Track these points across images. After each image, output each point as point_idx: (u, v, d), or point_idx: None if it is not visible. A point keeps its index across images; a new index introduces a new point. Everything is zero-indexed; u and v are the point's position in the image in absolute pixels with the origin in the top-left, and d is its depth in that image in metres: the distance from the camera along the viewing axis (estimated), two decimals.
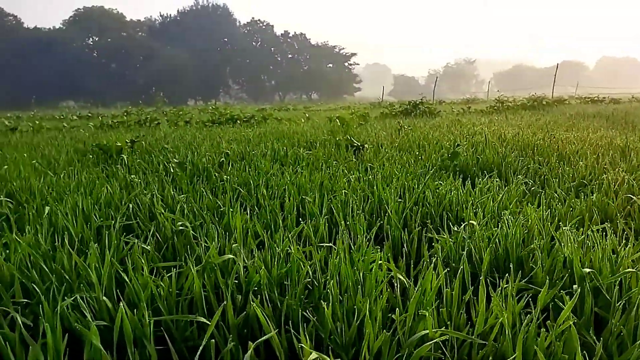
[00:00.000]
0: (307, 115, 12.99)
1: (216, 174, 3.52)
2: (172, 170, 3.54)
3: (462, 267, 1.55)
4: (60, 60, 66.08)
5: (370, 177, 3.30)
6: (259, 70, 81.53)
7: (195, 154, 4.52)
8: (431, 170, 3.64)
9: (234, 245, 1.71)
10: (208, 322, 1.41)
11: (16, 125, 10.34)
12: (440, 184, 3.14)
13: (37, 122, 10.61)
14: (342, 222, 2.10)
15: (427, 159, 4.27)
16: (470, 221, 2.05)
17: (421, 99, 14.72)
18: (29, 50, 65.99)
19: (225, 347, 1.29)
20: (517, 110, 13.77)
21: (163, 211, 2.17)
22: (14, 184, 3.09)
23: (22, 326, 1.37)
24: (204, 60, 73.83)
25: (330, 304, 1.31)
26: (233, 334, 1.36)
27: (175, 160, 3.87)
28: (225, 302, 1.38)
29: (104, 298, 1.54)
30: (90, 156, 4.71)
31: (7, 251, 1.82)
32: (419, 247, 2.16)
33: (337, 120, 7.91)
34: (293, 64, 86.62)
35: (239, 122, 10.96)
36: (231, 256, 1.62)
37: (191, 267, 1.46)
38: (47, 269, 1.64)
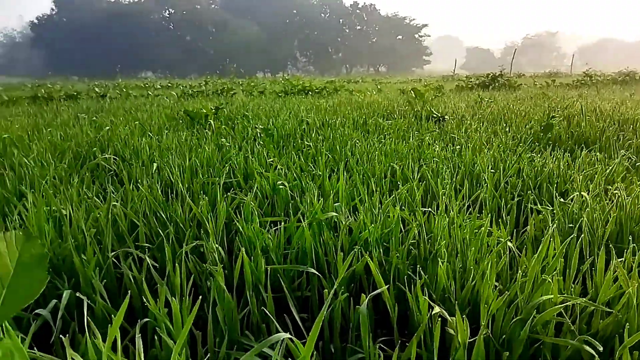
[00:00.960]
0: (378, 87, 12.77)
1: (301, 140, 3.58)
2: (258, 135, 3.65)
3: (577, 236, 1.48)
4: (139, 33, 69.39)
5: (457, 147, 3.21)
6: (326, 43, 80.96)
7: (277, 120, 4.61)
8: (520, 143, 3.48)
9: (335, 204, 1.74)
10: (318, 274, 1.47)
11: (105, 92, 11.09)
12: (534, 156, 3.00)
13: (124, 90, 11.30)
14: (439, 189, 2.06)
15: (515, 131, 4.07)
16: (581, 192, 1.94)
17: (500, 71, 13.96)
18: (110, 23, 69.82)
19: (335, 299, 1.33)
20: (608, 85, 12.71)
21: (262, 170, 2.25)
22: (117, 144, 3.32)
23: (150, 266, 1.50)
24: (273, 33, 74.44)
25: (444, 262, 1.31)
26: (343, 287, 1.40)
27: (260, 126, 3.97)
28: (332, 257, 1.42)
29: (217, 246, 1.64)
30: (180, 121, 4.96)
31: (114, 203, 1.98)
32: (518, 217, 2.09)
33: (412, 92, 7.72)
34: (361, 36, 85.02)
35: (310, 93, 11.02)
36: (335, 213, 1.65)
37: (301, 219, 1.50)
38: (165, 217, 1.77)
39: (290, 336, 1.16)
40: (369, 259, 1.31)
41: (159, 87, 15.11)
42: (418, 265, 1.54)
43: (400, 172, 2.44)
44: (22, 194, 2.28)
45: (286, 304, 1.49)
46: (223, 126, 4.53)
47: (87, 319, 1.07)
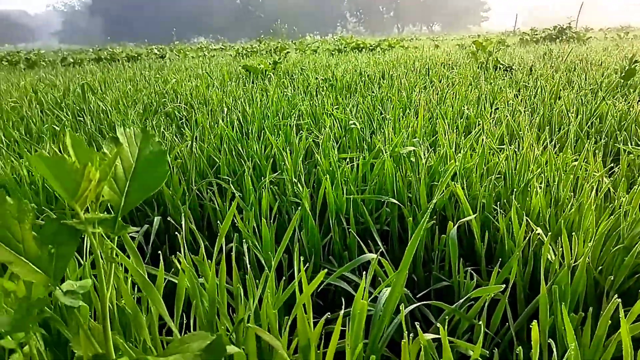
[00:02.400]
0: (435, 43, 12.26)
1: (365, 88, 3.51)
2: (320, 85, 3.61)
3: None
4: None
5: (530, 94, 3.04)
6: (377, 2, 78.23)
7: (336, 72, 4.54)
8: (599, 90, 3.24)
9: (414, 139, 1.69)
10: (399, 203, 1.45)
11: (164, 53, 11.35)
12: (616, 101, 2.78)
13: (181, 52, 11.53)
14: (520, 128, 1.96)
15: (592, 80, 3.79)
16: None
17: (569, 23, 12.98)
18: None
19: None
20: None
21: (333, 112, 2.23)
22: (186, 94, 3.40)
23: (235, 193, 1.53)
24: None
25: (537, 195, 1.25)
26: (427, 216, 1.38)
27: (321, 77, 3.93)
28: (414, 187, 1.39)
29: (296, 180, 1.65)
30: (239, 76, 5.00)
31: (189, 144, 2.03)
32: (604, 159, 1.97)
33: (473, 45, 7.35)
34: None
35: (364, 50, 10.75)
36: (413, 147, 1.61)
37: (382, 149, 1.48)
38: (243, 153, 1.80)
39: (379, 257, 1.16)
40: (457, 186, 1.27)
41: (212, 49, 15.28)
42: (503, 200, 1.48)
43: (474, 116, 2.35)
44: (102, 136, 2.39)
45: (365, 235, 1.49)
46: (282, 79, 4.52)
47: (183, 240, 1.11)
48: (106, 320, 0.72)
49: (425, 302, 1.09)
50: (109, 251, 0.73)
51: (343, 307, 0.90)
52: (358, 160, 1.68)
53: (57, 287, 0.69)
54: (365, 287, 0.85)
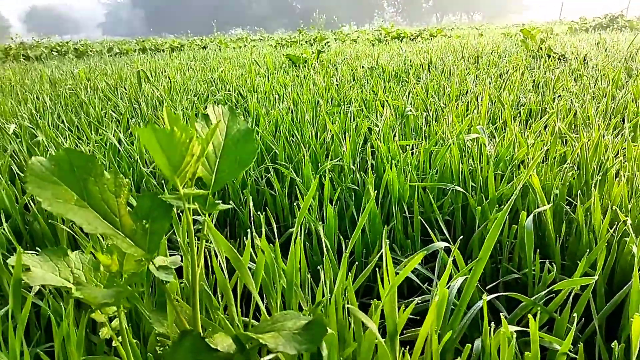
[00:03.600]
0: (479, 32, 11.91)
1: (406, 79, 3.44)
2: (367, 73, 3.56)
3: None
4: None
5: (589, 82, 2.89)
6: None
7: (380, 61, 4.47)
8: None
9: (477, 126, 1.64)
10: (465, 192, 1.40)
11: (205, 44, 11.52)
12: None
13: (221, 42, 11.68)
14: (587, 115, 1.87)
15: None
16: None
17: (621, 12, 12.34)
18: None
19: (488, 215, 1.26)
20: None
21: (385, 99, 2.19)
22: (234, 83, 3.43)
23: (295, 179, 1.53)
24: None
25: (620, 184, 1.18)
26: (495, 206, 1.33)
27: (366, 65, 3.87)
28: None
29: (353, 167, 1.63)
30: (283, 65, 5.00)
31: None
32: None
33: (521, 33, 7.09)
34: None
35: (404, 39, 10.57)
36: (477, 135, 1.56)
37: (442, 137, 1.43)
38: (299, 139, 1.79)
39: (450, 245, 1.13)
40: (534, 175, 1.22)
41: (252, 40, 15.40)
42: (575, 191, 1.41)
43: (534, 104, 2.25)
44: (155, 121, 2.44)
45: (424, 225, 1.45)
46: (326, 68, 4.49)
47: (252, 226, 1.11)
48: (196, 295, 0.72)
49: (500, 294, 1.04)
50: (202, 227, 0.73)
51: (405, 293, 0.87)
52: (416, 148, 1.64)
53: (151, 262, 0.70)
54: (438, 276, 0.82)
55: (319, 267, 1.23)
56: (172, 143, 0.57)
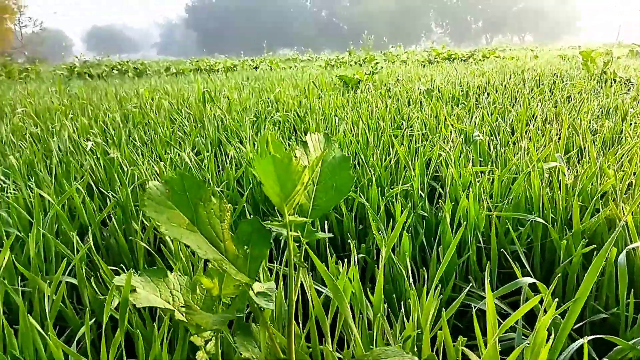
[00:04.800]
0: (533, 54, 11.61)
1: (464, 102, 3.38)
2: (423, 96, 3.53)
3: None
4: (279, 12, 72.80)
5: None
6: (465, 11, 76.01)
7: (435, 83, 4.43)
8: None
9: (555, 154, 1.57)
10: (544, 222, 1.34)
11: (256, 65, 11.86)
12: None
13: (272, 62, 11.98)
14: None
15: None
16: None
17: None
18: (253, 4, 74.40)
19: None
20: None
21: (454, 123, 2.15)
22: (291, 104, 3.48)
23: (364, 203, 1.51)
24: (407, 4, 72.24)
25: None
26: (582, 240, 1.26)
27: (422, 88, 3.84)
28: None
29: (421, 192, 1.60)
30: (335, 86, 5.05)
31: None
32: None
33: (580, 56, 6.86)
34: (505, 1, 78.00)
35: (455, 60, 10.46)
36: (556, 163, 1.49)
37: (523, 162, 1.38)
38: (363, 161, 1.78)
39: (535, 280, 1.07)
40: (626, 208, 1.15)
41: (301, 60, 15.73)
42: None
43: (608, 131, 2.15)
44: (219, 141, 2.50)
45: (501, 255, 1.40)
46: (379, 89, 4.49)
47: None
48: (292, 324, 0.71)
49: (596, 336, 0.98)
50: (299, 255, 0.73)
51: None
52: (487, 174, 1.60)
53: (251, 288, 0.70)
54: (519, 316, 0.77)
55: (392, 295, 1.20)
56: (288, 172, 0.57)
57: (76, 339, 1.06)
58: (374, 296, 0.83)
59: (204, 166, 1.84)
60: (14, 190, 1.69)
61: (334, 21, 73.71)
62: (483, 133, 2.13)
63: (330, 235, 0.68)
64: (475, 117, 2.42)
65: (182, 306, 0.67)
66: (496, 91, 3.84)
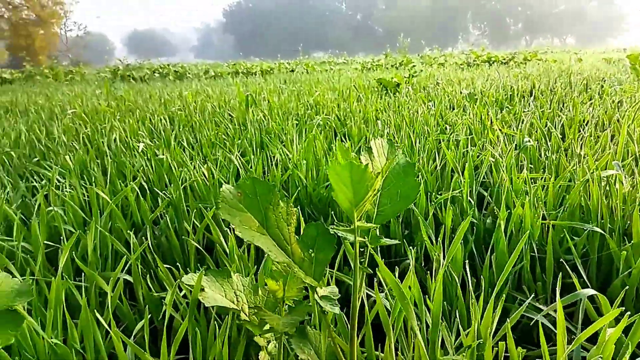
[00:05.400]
0: (577, 56, 11.24)
1: (509, 106, 3.29)
2: (466, 99, 3.47)
3: None
4: (315, 15, 73.27)
5: None
6: (504, 13, 74.25)
7: (477, 86, 4.35)
8: None
9: (613, 162, 1.51)
10: (603, 232, 1.29)
11: (292, 68, 11.97)
12: None
13: (308, 65, 12.07)
14: None
15: None
16: None
17: None
18: (290, 7, 75.19)
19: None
20: None
21: (500, 127, 2.11)
22: (331, 107, 3.49)
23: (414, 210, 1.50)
24: (444, 6, 71.26)
25: None
26: (636, 251, 1.21)
27: (464, 91, 3.78)
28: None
29: (470, 199, 1.57)
30: (373, 89, 5.03)
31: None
32: None
33: (627, 60, 6.58)
34: (546, 2, 75.71)
35: (495, 63, 10.23)
36: (614, 171, 1.44)
37: (579, 169, 1.33)
38: None
39: (596, 292, 1.03)
40: None
41: (336, 63, 15.78)
42: None
43: None
44: (262, 143, 2.53)
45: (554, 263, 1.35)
46: (419, 93, 4.44)
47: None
48: (354, 329, 0.71)
49: None
50: (363, 261, 0.73)
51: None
52: (540, 182, 1.55)
53: (316, 292, 0.70)
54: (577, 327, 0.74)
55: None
56: (364, 178, 0.57)
57: (133, 333, 1.09)
58: (433, 304, 0.82)
59: (250, 168, 1.87)
60: (69, 189, 1.76)
61: (368, 24, 73.57)
62: (533, 138, 2.07)
63: (397, 242, 0.68)
64: (523, 122, 2.36)
65: (250, 307, 0.68)
66: (542, 95, 3.73)
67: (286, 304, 0.74)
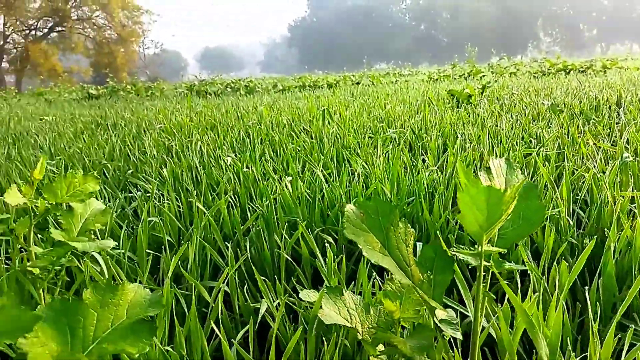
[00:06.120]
0: None
1: (595, 118, 3.09)
2: (548, 111, 3.31)
3: None
4: (378, 26, 73.40)
5: None
6: (578, 19, 70.28)
7: (556, 98, 4.13)
8: None
9: None
10: None
11: (358, 80, 12.03)
12: None
13: (373, 77, 12.08)
14: None
15: None
16: None
17: None
18: (353, 20, 75.91)
19: None
20: None
21: (596, 142, 1.99)
22: (404, 119, 3.46)
23: None
24: (512, 13, 68.68)
25: None
26: None
27: (546, 102, 3.61)
28: None
29: (568, 219, 1.49)
30: (444, 101, 4.94)
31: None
32: None
33: None
34: (622, 7, 70.82)
35: (572, 72, 9.70)
36: None
37: None
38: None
39: None
40: None
41: (401, 74, 15.67)
42: None
43: None
44: (339, 157, 2.55)
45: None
46: (494, 105, 4.30)
47: None
48: (475, 352, 0.69)
49: None
50: (484, 286, 0.71)
51: None
52: None
53: (435, 315, 0.69)
54: None
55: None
56: (500, 202, 0.56)
57: (236, 340, 1.13)
58: (552, 334, 0.78)
59: (333, 181, 1.89)
60: (166, 200, 1.87)
61: (432, 34, 72.49)
62: (631, 153, 1.94)
63: (523, 267, 0.66)
64: (619, 136, 2.21)
65: (370, 327, 0.68)
66: (632, 104, 3.48)
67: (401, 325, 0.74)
